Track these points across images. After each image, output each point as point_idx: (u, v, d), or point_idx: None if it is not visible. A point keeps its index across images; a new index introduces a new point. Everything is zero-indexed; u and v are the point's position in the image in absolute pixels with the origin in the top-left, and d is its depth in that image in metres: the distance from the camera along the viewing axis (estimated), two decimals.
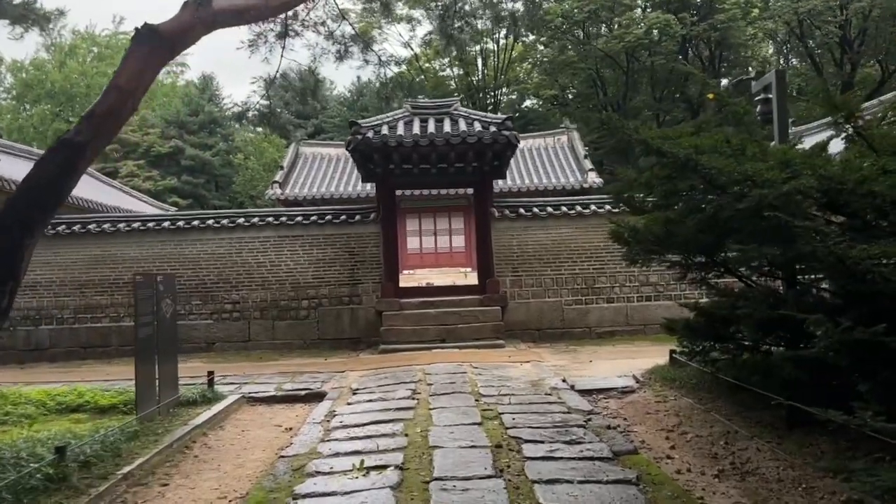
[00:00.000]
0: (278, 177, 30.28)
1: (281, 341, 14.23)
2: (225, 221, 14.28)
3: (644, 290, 14.44)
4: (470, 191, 30.18)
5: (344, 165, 30.15)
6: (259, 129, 48.92)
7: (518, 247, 14.44)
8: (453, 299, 14.19)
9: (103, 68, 42.57)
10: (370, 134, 13.32)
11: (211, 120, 40.97)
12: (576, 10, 38.21)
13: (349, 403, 8.45)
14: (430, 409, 7.77)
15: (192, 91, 41.85)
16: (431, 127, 13.66)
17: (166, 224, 14.28)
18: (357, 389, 9.27)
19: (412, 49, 46.12)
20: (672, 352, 9.48)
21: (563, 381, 9.32)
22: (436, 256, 31.01)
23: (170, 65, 49.90)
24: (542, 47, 46.24)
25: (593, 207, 14.43)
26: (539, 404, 7.84)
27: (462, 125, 13.63)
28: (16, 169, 20.12)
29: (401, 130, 13.52)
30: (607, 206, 14.41)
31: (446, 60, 48.35)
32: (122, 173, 36.79)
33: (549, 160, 31.84)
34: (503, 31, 45.93)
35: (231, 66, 70.39)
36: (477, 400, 8.12)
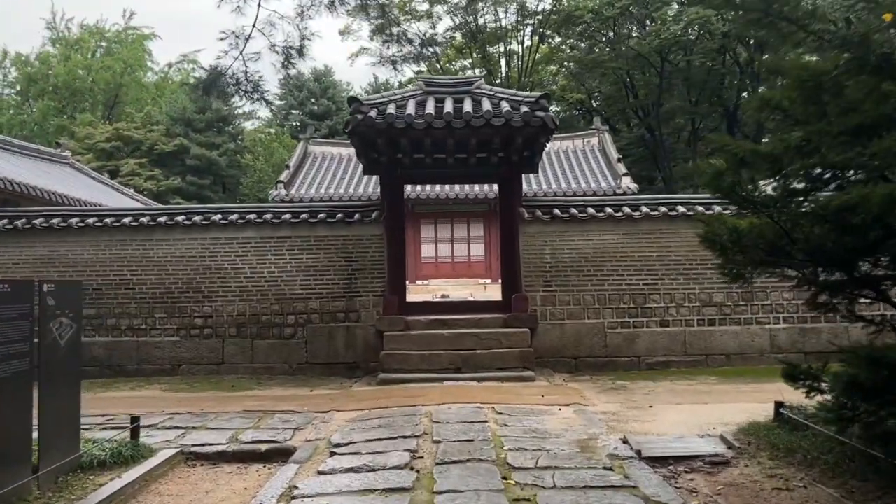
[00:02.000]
0: (283, 176, 27.98)
1: (261, 365, 11.73)
2: (197, 218, 11.84)
3: (706, 312, 11.75)
4: (492, 194, 27.68)
5: (356, 165, 27.66)
6: (272, 130, 46.83)
7: (552, 256, 11.85)
8: (471, 318, 11.62)
9: (109, 63, 40.72)
10: (373, 113, 10.82)
11: (219, 118, 38.81)
12: (606, 7, 35.63)
13: (321, 472, 5.88)
14: (435, 492, 5.19)
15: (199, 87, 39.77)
16: (449, 107, 11.13)
17: (127, 220, 11.85)
18: (337, 447, 6.70)
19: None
20: (779, 405, 6.82)
21: (623, 441, 6.69)
22: (452, 266, 28.45)
23: (180, 61, 48.07)
24: (568, 50, 43.76)
25: (645, 209, 11.81)
26: (599, 489, 5.22)
27: (486, 105, 11.09)
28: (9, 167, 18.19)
29: (411, 110, 11.01)
30: (662, 209, 11.80)
31: (468, 61, 46.00)
32: (122, 172, 34.68)
33: (577, 163, 29.21)
34: (528, 30, 43.49)
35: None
36: (505, 477, 5.50)
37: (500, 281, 28.37)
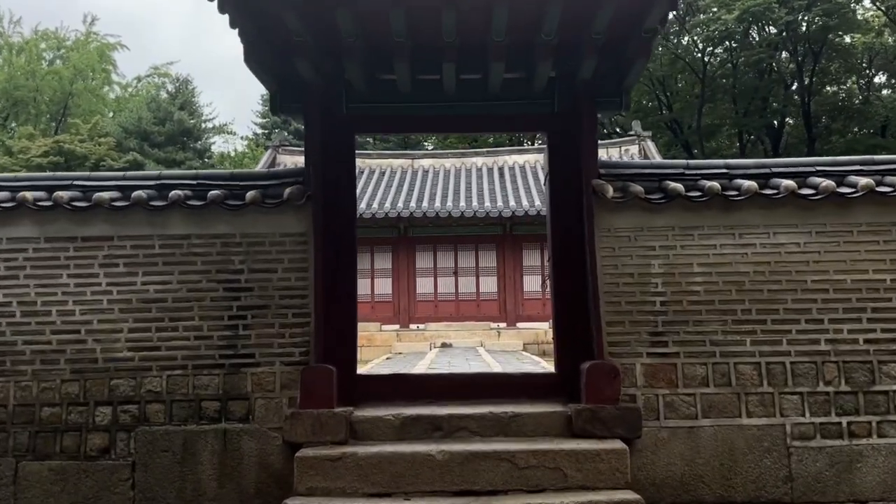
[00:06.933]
0: None
1: None
2: None
3: None
4: (507, 212, 21.33)
5: None
6: (248, 151, 41.19)
7: (665, 280, 5.59)
8: (494, 414, 5.34)
9: (57, 69, 35.24)
10: None
11: (182, 131, 33.10)
12: None
13: None
14: None
15: (161, 96, 34.12)
16: None
17: None
18: None
19: None
20: None
21: None
22: (457, 305, 22.14)
23: (150, 74, 42.66)
24: None
25: (863, 181, 5.59)
26: None
27: None
28: None
29: None
30: None
31: None
32: None
33: None
34: None
35: (212, 76, 65.97)
36: None
37: (517, 325, 22.04)
